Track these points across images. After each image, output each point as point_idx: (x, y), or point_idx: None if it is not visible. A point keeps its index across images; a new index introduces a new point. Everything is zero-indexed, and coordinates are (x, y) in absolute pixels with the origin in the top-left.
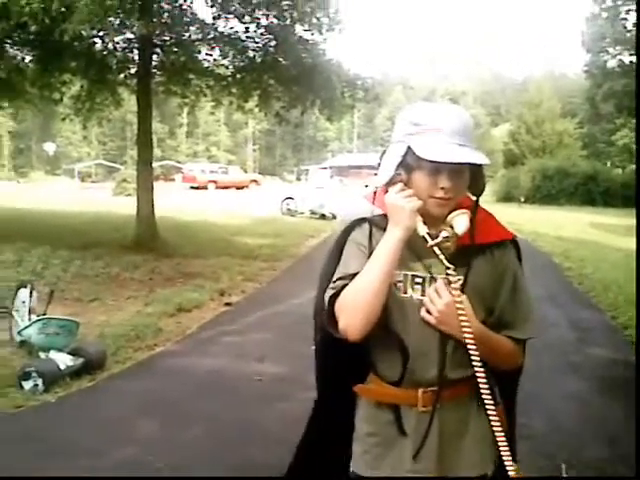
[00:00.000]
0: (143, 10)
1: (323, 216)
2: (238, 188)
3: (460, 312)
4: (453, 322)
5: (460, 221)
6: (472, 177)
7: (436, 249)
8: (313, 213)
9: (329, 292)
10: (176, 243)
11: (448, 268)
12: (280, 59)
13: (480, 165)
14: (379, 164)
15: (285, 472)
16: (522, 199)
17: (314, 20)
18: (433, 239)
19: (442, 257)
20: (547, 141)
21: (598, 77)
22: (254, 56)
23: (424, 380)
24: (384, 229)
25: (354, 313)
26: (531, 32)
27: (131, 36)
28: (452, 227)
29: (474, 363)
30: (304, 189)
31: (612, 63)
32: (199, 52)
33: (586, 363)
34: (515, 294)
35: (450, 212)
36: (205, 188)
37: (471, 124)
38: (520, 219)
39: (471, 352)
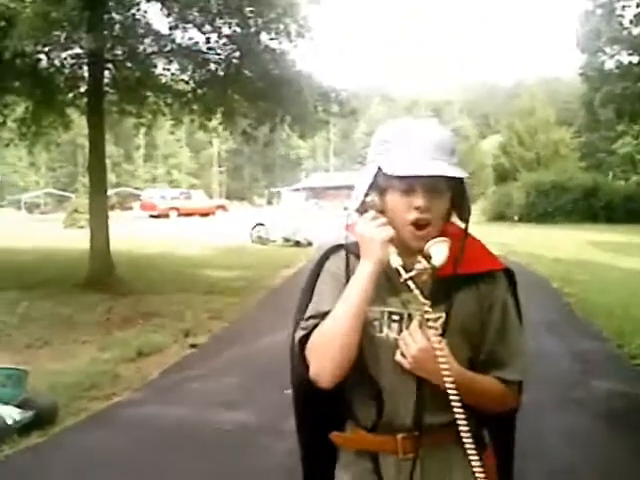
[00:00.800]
0: (92, 22)
1: (298, 243)
2: (203, 215)
3: (439, 357)
4: (430, 367)
5: (438, 250)
6: (456, 198)
7: (410, 284)
8: (287, 240)
9: (299, 333)
10: (134, 279)
11: (424, 305)
12: (245, 71)
13: (463, 184)
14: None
15: None
16: (516, 218)
17: (281, 27)
18: (408, 272)
19: (417, 293)
20: (541, 152)
21: (595, 80)
22: (216, 69)
23: (402, 426)
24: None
25: (325, 358)
26: (520, 33)
27: (79, 51)
28: (429, 257)
29: (455, 410)
30: (276, 214)
31: (610, 64)
32: (155, 66)
33: (590, 398)
34: (505, 331)
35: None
36: (166, 216)
37: (447, 137)
38: (514, 240)
39: (452, 399)
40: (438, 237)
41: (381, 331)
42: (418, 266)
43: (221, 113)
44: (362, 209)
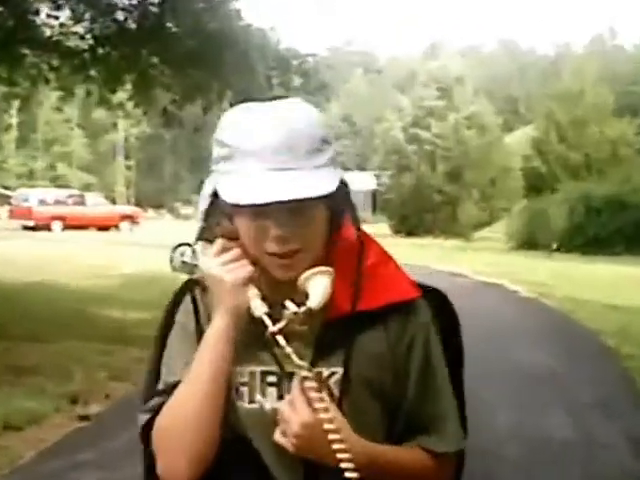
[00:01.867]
0: None
1: None
2: (102, 228)
3: (329, 432)
4: (320, 447)
5: (316, 286)
6: (335, 202)
7: (280, 339)
8: None
9: (142, 417)
10: (1, 318)
11: (301, 368)
12: (168, 24)
13: (343, 184)
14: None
15: None
16: (554, 245)
17: None
18: (277, 320)
19: (289, 351)
20: (592, 154)
21: None
22: (126, 19)
23: None
24: None
25: (175, 452)
26: None
27: None
28: (306, 295)
29: None
30: None
31: None
32: (36, 13)
33: None
34: (427, 383)
35: (307, 269)
36: (47, 228)
37: (307, 127)
38: (550, 277)
39: None
40: (316, 266)
41: (252, 400)
42: (287, 312)
43: (132, 83)
44: (210, 235)
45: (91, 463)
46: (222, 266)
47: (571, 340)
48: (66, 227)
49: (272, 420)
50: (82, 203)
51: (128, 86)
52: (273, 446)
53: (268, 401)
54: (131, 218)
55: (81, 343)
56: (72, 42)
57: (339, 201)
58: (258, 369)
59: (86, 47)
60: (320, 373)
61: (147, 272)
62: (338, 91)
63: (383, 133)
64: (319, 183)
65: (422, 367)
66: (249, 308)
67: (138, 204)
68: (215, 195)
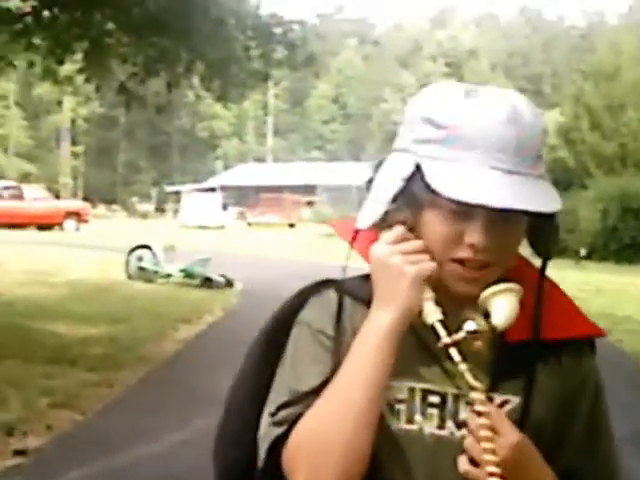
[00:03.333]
0: None
1: (208, 281)
2: (43, 227)
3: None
4: (520, 478)
5: (502, 304)
6: (533, 226)
7: (454, 353)
8: (189, 276)
9: (271, 431)
10: None
11: (476, 389)
12: None
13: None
14: (369, 183)
15: None
16: (583, 251)
17: None
18: (451, 333)
19: (464, 369)
20: (630, 144)
21: None
22: None
23: None
24: (368, 303)
25: (320, 468)
26: None
27: None
28: (488, 314)
29: None
30: (172, 230)
31: None
32: None
33: None
34: (595, 436)
35: (487, 287)
36: None
37: (538, 128)
38: (579, 289)
39: None
40: (501, 282)
41: (410, 421)
42: (470, 326)
43: (83, 53)
44: (382, 225)
45: None
46: (404, 255)
47: (604, 365)
48: (0, 225)
49: (431, 447)
50: (19, 197)
51: (78, 56)
52: (431, 477)
53: (428, 424)
54: (78, 215)
55: (17, 364)
56: (11, 3)
57: (536, 221)
58: (418, 386)
59: (28, 9)
60: (492, 399)
61: (96, 279)
62: (328, 66)
63: (381, 116)
64: (551, 196)
65: (590, 415)
66: (421, 312)
67: (86, 199)
68: (409, 179)
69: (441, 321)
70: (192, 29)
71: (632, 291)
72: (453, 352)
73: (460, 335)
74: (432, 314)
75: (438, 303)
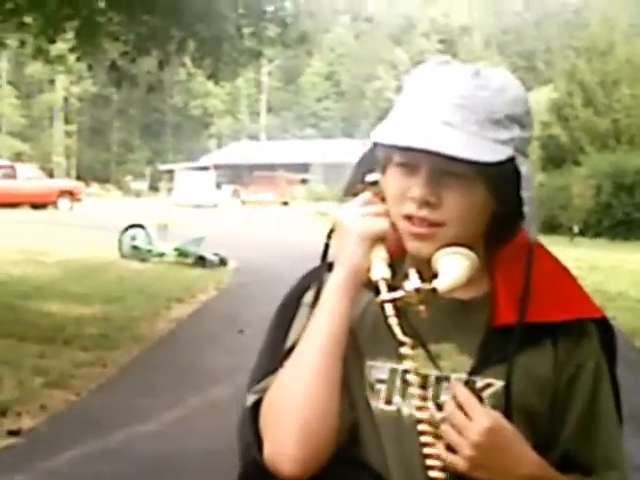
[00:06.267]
0: None
1: (202, 260)
2: (36, 206)
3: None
4: (498, 463)
5: (448, 267)
6: (508, 199)
7: (388, 307)
8: (182, 254)
9: (250, 398)
10: None
11: (403, 344)
12: None
13: (516, 173)
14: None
15: None
16: (576, 228)
17: None
18: (392, 290)
19: (393, 323)
20: (623, 120)
21: None
22: None
23: None
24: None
25: (281, 429)
26: None
27: None
28: (435, 275)
29: None
30: (165, 209)
31: None
32: None
33: None
34: (593, 418)
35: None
36: None
37: (500, 93)
38: (574, 266)
39: None
40: (458, 246)
41: (389, 401)
42: (409, 284)
43: (74, 32)
44: (355, 191)
45: None
46: (359, 215)
47: None
48: None
49: (410, 429)
50: (13, 176)
51: (70, 35)
52: (402, 459)
53: (408, 406)
54: (71, 194)
55: (11, 343)
56: None
57: (514, 202)
58: (400, 367)
59: None
60: (474, 382)
61: (90, 258)
62: (321, 43)
63: (374, 94)
64: (477, 150)
65: (588, 400)
66: (369, 270)
67: (80, 177)
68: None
69: (384, 279)
70: (183, 7)
71: (626, 267)
72: (387, 307)
73: (398, 294)
74: (377, 272)
75: (394, 264)
